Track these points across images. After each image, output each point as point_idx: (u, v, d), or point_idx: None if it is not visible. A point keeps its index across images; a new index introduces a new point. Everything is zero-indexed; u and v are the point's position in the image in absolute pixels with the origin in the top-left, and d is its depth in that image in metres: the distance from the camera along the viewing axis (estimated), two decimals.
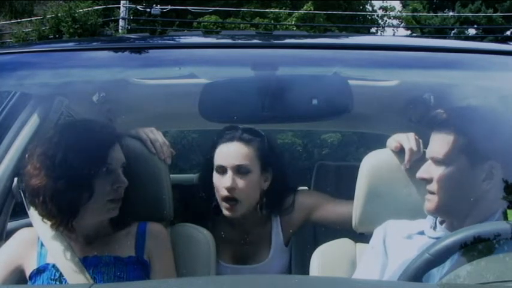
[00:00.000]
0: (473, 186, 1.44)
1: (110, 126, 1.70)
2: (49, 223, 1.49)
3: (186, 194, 1.99)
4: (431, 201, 1.46)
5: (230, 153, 1.84)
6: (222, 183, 1.83)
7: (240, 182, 1.82)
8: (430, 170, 1.46)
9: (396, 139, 1.62)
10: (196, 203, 1.93)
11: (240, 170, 1.83)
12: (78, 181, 1.47)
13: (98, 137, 1.56)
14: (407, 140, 1.60)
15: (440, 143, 1.46)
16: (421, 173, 1.48)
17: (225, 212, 1.85)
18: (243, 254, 1.95)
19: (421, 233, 1.50)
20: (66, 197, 1.46)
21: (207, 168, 1.90)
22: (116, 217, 1.55)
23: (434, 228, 1.49)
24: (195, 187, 2.00)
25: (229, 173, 1.82)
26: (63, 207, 1.47)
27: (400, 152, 1.61)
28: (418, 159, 1.56)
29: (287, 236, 1.97)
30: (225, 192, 1.82)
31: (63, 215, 1.48)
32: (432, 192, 1.46)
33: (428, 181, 1.46)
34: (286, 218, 1.95)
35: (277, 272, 1.94)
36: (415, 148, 1.57)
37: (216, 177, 1.85)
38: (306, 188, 2.47)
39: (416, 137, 1.60)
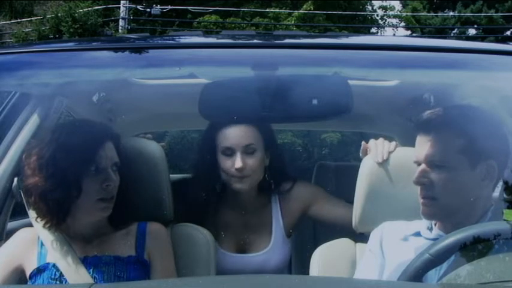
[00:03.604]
0: (472, 188, 1.43)
1: (101, 126, 1.70)
2: (42, 222, 1.50)
3: (187, 183, 2.02)
4: (429, 206, 1.44)
5: (237, 134, 1.88)
6: (231, 164, 1.87)
7: (248, 162, 1.87)
8: (426, 175, 1.43)
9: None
10: (198, 189, 1.95)
11: (247, 150, 1.87)
12: (66, 180, 1.47)
13: (87, 136, 1.56)
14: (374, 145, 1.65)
15: (434, 147, 1.43)
16: (418, 178, 1.45)
17: (235, 186, 1.89)
18: (244, 242, 1.97)
19: (417, 234, 1.50)
20: (54, 195, 1.47)
21: (209, 151, 1.92)
22: (115, 217, 1.55)
23: (431, 229, 1.48)
24: (196, 173, 2.02)
25: (238, 153, 1.86)
26: (52, 206, 1.48)
27: (400, 152, 1.62)
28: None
29: (288, 226, 1.99)
30: (235, 173, 1.87)
31: (52, 214, 1.49)
32: (429, 197, 1.43)
33: (426, 186, 1.43)
34: (285, 206, 1.98)
35: (279, 262, 1.95)
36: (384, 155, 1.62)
37: (223, 159, 1.88)
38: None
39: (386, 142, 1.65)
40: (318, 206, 1.97)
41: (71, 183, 1.47)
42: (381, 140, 1.67)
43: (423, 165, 1.44)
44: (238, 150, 1.86)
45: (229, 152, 1.87)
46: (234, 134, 1.87)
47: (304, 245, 1.99)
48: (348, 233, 1.68)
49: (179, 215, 1.74)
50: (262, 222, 1.98)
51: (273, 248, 1.95)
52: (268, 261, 1.93)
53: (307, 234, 2.19)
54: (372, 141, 1.68)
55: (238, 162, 1.85)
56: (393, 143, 1.66)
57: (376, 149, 1.64)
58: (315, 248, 1.65)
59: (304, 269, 1.76)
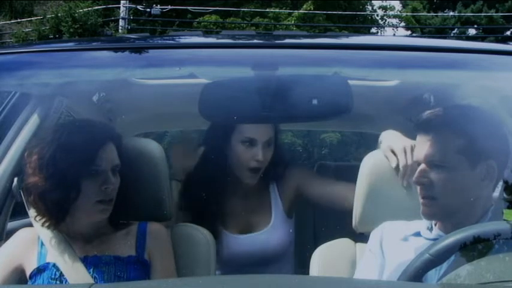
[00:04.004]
0: (472, 188, 1.43)
1: (101, 127, 1.70)
2: (41, 221, 1.50)
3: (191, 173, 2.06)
4: (429, 206, 1.44)
5: (261, 128, 1.94)
6: (252, 155, 1.93)
7: (267, 155, 1.94)
8: (426, 175, 1.43)
9: (390, 148, 1.60)
10: (202, 178, 1.98)
11: (268, 144, 1.95)
12: (65, 181, 1.47)
13: (87, 138, 1.56)
14: (402, 151, 1.57)
15: (434, 146, 1.42)
16: (418, 178, 1.44)
17: (248, 180, 1.96)
18: (245, 223, 2.01)
19: (418, 234, 1.50)
20: (53, 196, 1.47)
21: (220, 139, 1.96)
22: (115, 217, 1.56)
23: (431, 229, 1.48)
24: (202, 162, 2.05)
25: (260, 146, 1.92)
26: (51, 206, 1.48)
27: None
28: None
29: (287, 205, 2.04)
30: (254, 164, 1.93)
31: (51, 214, 1.49)
32: (429, 197, 1.43)
33: (426, 186, 1.43)
34: (283, 187, 2.04)
35: (280, 241, 1.99)
36: (409, 161, 1.55)
37: (243, 149, 1.93)
38: None
39: (412, 144, 1.57)
40: (317, 186, 2.02)
41: (70, 184, 1.47)
42: (409, 144, 1.57)
43: (423, 165, 1.44)
44: (261, 143, 1.92)
45: (251, 143, 1.92)
46: (258, 127, 1.94)
47: (304, 245, 2.00)
48: (348, 232, 1.68)
49: (182, 202, 1.77)
50: (261, 204, 2.03)
51: (273, 226, 1.99)
52: (270, 239, 1.97)
53: (307, 234, 2.19)
54: (399, 143, 1.59)
55: (260, 155, 1.91)
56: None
57: (404, 156, 1.55)
58: (315, 248, 1.65)
59: (304, 269, 1.76)
